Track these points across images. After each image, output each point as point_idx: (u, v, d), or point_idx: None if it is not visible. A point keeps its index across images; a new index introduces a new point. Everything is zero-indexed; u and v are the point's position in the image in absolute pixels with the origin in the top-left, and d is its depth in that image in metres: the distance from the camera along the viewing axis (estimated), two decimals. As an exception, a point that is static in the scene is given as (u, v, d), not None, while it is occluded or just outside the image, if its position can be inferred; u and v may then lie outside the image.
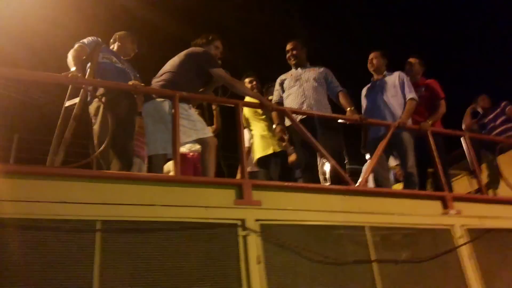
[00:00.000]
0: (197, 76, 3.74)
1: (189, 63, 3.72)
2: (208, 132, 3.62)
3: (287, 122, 4.29)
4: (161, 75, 3.68)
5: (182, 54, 3.79)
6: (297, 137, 4.25)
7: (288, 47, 4.66)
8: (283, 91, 4.61)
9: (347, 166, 4.53)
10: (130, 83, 3.42)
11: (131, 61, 4.06)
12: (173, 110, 3.32)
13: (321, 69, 4.60)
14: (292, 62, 4.64)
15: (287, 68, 4.73)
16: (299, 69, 4.61)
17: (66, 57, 3.47)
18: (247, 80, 5.04)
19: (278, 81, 4.69)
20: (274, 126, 4.59)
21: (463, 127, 6.14)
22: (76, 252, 2.43)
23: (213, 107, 4.80)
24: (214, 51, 3.94)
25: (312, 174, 4.19)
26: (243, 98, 4.10)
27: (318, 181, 4.21)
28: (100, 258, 2.44)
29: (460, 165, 6.13)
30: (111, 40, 4.03)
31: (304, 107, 4.34)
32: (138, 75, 3.94)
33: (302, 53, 4.66)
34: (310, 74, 4.52)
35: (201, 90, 3.90)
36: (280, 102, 4.59)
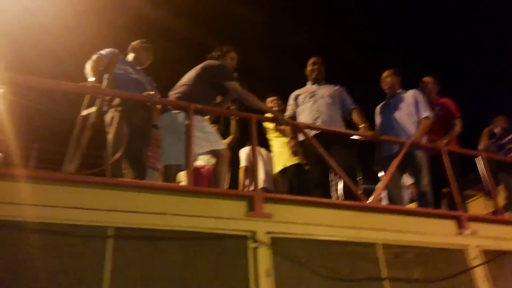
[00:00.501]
0: (212, 88, 3.80)
1: (204, 76, 3.78)
2: (221, 144, 3.66)
3: (302, 137, 4.29)
4: (178, 87, 3.76)
5: (198, 67, 3.86)
6: (311, 152, 4.25)
7: (312, 61, 4.72)
8: (297, 106, 4.63)
9: (361, 184, 4.51)
10: (145, 93, 3.46)
11: (147, 70, 4.11)
12: (187, 122, 3.36)
13: (336, 87, 4.64)
14: (312, 76, 4.68)
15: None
16: (314, 85, 4.65)
17: (84, 62, 3.56)
18: (269, 99, 5.09)
19: (293, 96, 4.73)
20: (287, 140, 4.62)
21: (480, 148, 6.05)
22: (88, 257, 2.45)
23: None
24: (229, 62, 4.00)
25: (324, 189, 4.17)
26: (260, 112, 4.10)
27: (330, 197, 4.19)
28: (111, 264, 2.46)
29: (478, 187, 6.03)
30: (128, 50, 4.09)
31: (318, 123, 4.36)
32: (155, 85, 4.01)
33: (323, 70, 4.72)
34: (325, 91, 4.56)
35: (219, 101, 3.96)
36: (294, 117, 4.61)
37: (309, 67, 4.73)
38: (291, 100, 4.73)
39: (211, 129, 3.70)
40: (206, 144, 3.53)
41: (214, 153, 3.63)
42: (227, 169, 3.66)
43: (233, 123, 4.84)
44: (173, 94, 3.71)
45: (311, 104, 4.51)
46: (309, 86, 4.70)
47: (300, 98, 4.64)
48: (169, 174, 3.51)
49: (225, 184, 3.61)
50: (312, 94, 4.57)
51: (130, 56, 4.02)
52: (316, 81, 4.67)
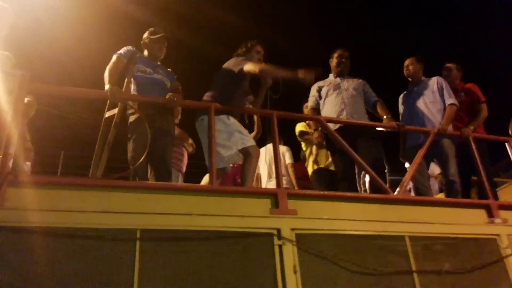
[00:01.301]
0: (235, 85, 3.78)
1: (224, 76, 3.81)
2: (248, 141, 3.60)
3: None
4: (209, 90, 3.79)
5: (222, 68, 3.89)
6: (333, 145, 4.22)
7: (340, 53, 4.66)
8: (320, 98, 4.60)
9: (387, 176, 4.45)
10: (168, 95, 3.48)
11: (165, 61, 4.06)
12: (218, 122, 3.42)
13: (359, 80, 4.60)
14: (338, 69, 4.62)
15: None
16: (338, 78, 4.60)
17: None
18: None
19: (315, 87, 4.67)
20: (312, 131, 4.61)
21: (510, 132, 5.88)
22: (117, 260, 2.50)
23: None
24: (256, 56, 3.94)
25: (349, 183, 4.14)
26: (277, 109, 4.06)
27: (356, 191, 4.16)
28: (139, 266, 2.51)
29: (508, 173, 5.86)
30: (142, 45, 4.02)
31: (343, 115, 4.32)
32: (175, 77, 3.99)
33: (349, 64, 4.67)
34: (349, 83, 4.52)
35: (253, 100, 3.99)
36: (317, 108, 4.58)
37: (335, 59, 4.66)
38: (314, 91, 4.68)
39: (237, 127, 3.65)
40: (233, 144, 3.55)
41: (242, 151, 3.60)
42: (255, 168, 3.63)
43: (256, 119, 4.85)
44: (203, 99, 3.74)
45: (335, 96, 4.47)
46: (332, 78, 4.65)
47: (324, 90, 4.59)
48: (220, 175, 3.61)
49: (251, 183, 3.60)
50: (336, 87, 4.52)
51: (145, 52, 3.95)
52: (340, 74, 4.62)
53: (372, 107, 4.51)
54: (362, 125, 4.23)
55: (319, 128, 4.33)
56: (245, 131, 3.69)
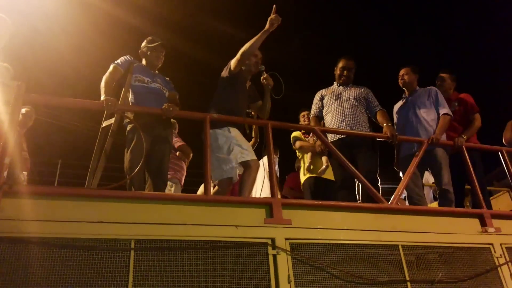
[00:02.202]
0: (231, 89, 3.82)
1: (220, 85, 3.87)
2: (248, 155, 3.62)
3: (330, 137, 4.28)
4: (210, 107, 3.83)
5: (219, 78, 3.94)
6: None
7: (343, 64, 4.67)
8: (323, 107, 4.64)
9: (379, 188, 4.48)
10: (164, 106, 3.48)
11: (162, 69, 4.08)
12: (218, 136, 3.51)
13: (362, 89, 4.63)
14: (342, 78, 4.64)
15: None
16: (340, 87, 4.64)
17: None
18: (301, 114, 5.28)
19: (318, 95, 4.72)
20: (314, 139, 4.64)
21: (504, 141, 5.93)
22: (112, 270, 2.51)
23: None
24: (253, 60, 3.96)
25: (347, 192, 4.16)
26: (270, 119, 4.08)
27: (354, 200, 4.18)
28: (133, 276, 2.52)
29: (501, 182, 5.89)
30: (139, 54, 4.04)
31: (343, 125, 4.36)
32: (173, 86, 4.02)
33: (353, 74, 4.70)
34: (350, 93, 4.56)
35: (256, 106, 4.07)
36: (319, 116, 4.63)
37: (338, 70, 4.68)
38: (316, 99, 4.73)
39: (238, 140, 3.67)
40: (232, 158, 3.58)
41: (242, 164, 3.64)
42: (253, 180, 3.66)
43: (254, 127, 4.88)
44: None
45: (336, 106, 4.51)
46: (335, 87, 4.69)
47: (326, 99, 4.64)
48: (222, 188, 3.65)
49: (249, 194, 3.63)
50: (338, 96, 4.56)
51: (143, 61, 3.97)
52: (344, 84, 4.66)
53: (374, 116, 4.53)
54: (357, 135, 4.26)
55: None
56: (246, 144, 3.71)
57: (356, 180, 4.27)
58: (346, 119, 4.39)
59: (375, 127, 4.54)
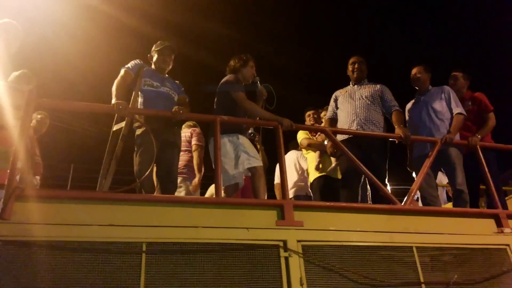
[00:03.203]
0: (234, 105, 3.83)
1: (221, 96, 3.88)
2: (255, 162, 3.64)
3: (339, 137, 4.23)
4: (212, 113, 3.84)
5: (220, 89, 3.94)
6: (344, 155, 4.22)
7: (351, 60, 4.66)
8: (337, 108, 4.61)
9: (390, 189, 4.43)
10: (174, 109, 3.48)
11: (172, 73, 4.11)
12: (227, 142, 3.52)
13: (377, 87, 4.55)
14: (354, 76, 4.61)
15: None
16: (355, 86, 4.60)
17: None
18: (306, 114, 5.24)
19: (333, 97, 4.70)
20: (325, 141, 4.62)
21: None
22: (123, 273, 2.51)
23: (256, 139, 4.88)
24: (250, 70, 4.02)
25: (351, 191, 4.11)
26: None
27: (357, 199, 4.12)
28: (145, 279, 2.52)
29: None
30: (148, 58, 4.07)
31: (354, 125, 4.31)
32: (183, 89, 4.03)
33: (365, 70, 4.65)
34: (364, 91, 4.50)
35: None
36: (334, 118, 4.59)
37: (349, 67, 4.66)
38: (331, 101, 4.71)
39: (246, 147, 3.69)
40: (240, 164, 3.59)
41: (250, 169, 3.66)
42: (264, 183, 3.68)
43: (261, 153, 4.90)
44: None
45: (348, 105, 4.47)
46: (350, 87, 4.65)
47: (340, 99, 4.60)
48: (228, 194, 3.67)
49: (264, 196, 3.64)
50: (351, 96, 4.52)
51: (152, 66, 3.99)
52: (358, 81, 4.60)
53: (390, 115, 4.45)
54: (368, 135, 4.21)
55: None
56: (253, 151, 3.72)
57: (361, 180, 4.22)
58: (357, 119, 4.34)
59: (390, 126, 4.46)
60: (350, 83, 4.69)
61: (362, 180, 4.24)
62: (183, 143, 4.77)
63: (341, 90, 4.69)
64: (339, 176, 4.59)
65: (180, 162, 4.49)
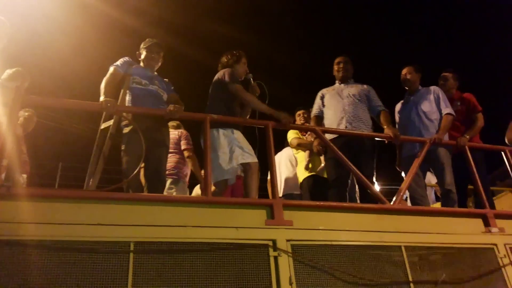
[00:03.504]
0: (230, 98, 3.82)
1: (217, 90, 3.86)
2: (249, 157, 3.62)
3: (328, 136, 4.22)
4: (208, 110, 3.82)
5: (215, 84, 3.93)
6: (331, 153, 4.21)
7: (337, 60, 4.67)
8: (324, 106, 4.59)
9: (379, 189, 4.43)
10: (171, 107, 3.44)
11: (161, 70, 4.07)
12: (220, 136, 3.50)
13: (364, 86, 4.57)
14: (340, 75, 4.62)
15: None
16: (342, 84, 4.59)
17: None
18: (297, 113, 5.22)
19: (319, 94, 4.68)
20: (312, 139, 4.61)
21: (506, 141, 5.89)
22: (111, 272, 2.48)
23: None
24: (242, 66, 4.03)
25: (340, 191, 4.10)
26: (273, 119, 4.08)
27: (345, 199, 4.12)
28: (133, 279, 2.49)
29: (504, 182, 5.85)
30: (137, 56, 4.02)
31: (343, 123, 4.29)
32: (172, 87, 4.00)
33: (350, 69, 4.66)
34: (351, 90, 4.50)
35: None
36: (320, 116, 4.56)
37: (335, 67, 4.67)
38: (317, 99, 4.68)
39: (240, 142, 3.66)
40: (233, 159, 3.56)
41: (243, 165, 3.64)
42: (257, 180, 3.65)
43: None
44: None
45: (336, 103, 4.46)
46: (337, 85, 4.64)
47: (326, 97, 4.58)
48: (219, 189, 3.64)
49: (255, 195, 3.61)
50: (338, 94, 4.51)
51: (141, 63, 3.95)
52: (343, 80, 4.61)
53: (376, 116, 4.47)
54: (359, 135, 4.21)
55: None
56: (247, 147, 3.69)
57: (349, 180, 4.22)
58: (346, 116, 4.32)
59: (377, 126, 4.48)
60: (336, 82, 4.68)
61: (350, 179, 4.24)
62: (171, 145, 4.75)
63: (327, 88, 4.68)
64: None
65: (169, 164, 4.47)
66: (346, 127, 4.26)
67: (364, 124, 4.33)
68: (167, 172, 4.52)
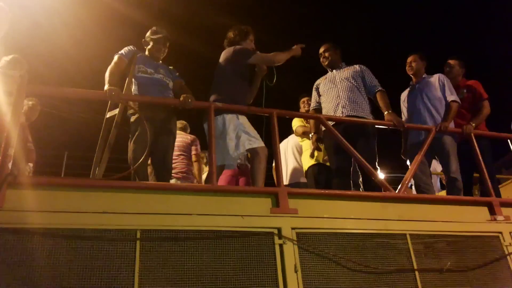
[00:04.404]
0: (240, 77, 3.78)
1: (228, 68, 3.78)
2: (256, 142, 3.58)
3: (323, 128, 4.21)
4: (212, 91, 3.78)
5: (221, 63, 3.85)
6: (329, 142, 4.19)
7: (320, 50, 4.62)
8: (319, 96, 4.55)
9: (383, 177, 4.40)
10: (182, 96, 3.44)
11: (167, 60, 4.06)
12: (226, 122, 3.48)
13: (357, 68, 4.47)
14: (324, 64, 4.58)
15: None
16: (334, 71, 4.53)
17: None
18: (301, 100, 5.23)
19: (314, 86, 4.64)
20: (310, 134, 4.58)
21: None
22: (117, 260, 2.51)
23: None
24: (250, 44, 3.95)
25: (343, 180, 4.07)
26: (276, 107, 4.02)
27: (349, 188, 4.11)
28: (139, 266, 2.51)
29: (511, 170, 5.82)
30: (143, 45, 4.00)
31: (339, 109, 4.23)
32: (177, 74, 3.98)
33: (335, 54, 4.57)
34: (344, 73, 4.43)
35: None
36: (318, 108, 4.53)
37: (320, 59, 4.63)
38: (313, 92, 4.64)
39: (246, 127, 3.61)
40: (240, 145, 3.52)
41: (250, 151, 3.61)
42: (264, 167, 3.61)
43: None
44: (211, 99, 3.72)
45: (330, 91, 4.40)
46: (329, 73, 4.58)
47: (321, 87, 4.53)
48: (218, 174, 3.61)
49: (262, 182, 3.57)
50: (331, 81, 4.45)
51: (146, 52, 3.93)
52: (333, 66, 4.54)
53: (374, 97, 4.39)
54: (360, 123, 4.17)
55: (318, 130, 4.31)
56: (253, 132, 3.65)
57: (351, 168, 4.19)
58: (341, 101, 4.25)
59: (375, 108, 4.41)
60: (328, 70, 4.62)
61: (353, 165, 4.21)
62: (183, 147, 4.85)
63: (321, 78, 4.63)
64: None
65: (181, 165, 4.62)
66: (342, 112, 4.20)
67: (360, 107, 4.24)
68: (178, 174, 4.59)
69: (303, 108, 5.18)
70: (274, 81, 3.90)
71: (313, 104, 4.63)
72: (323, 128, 4.26)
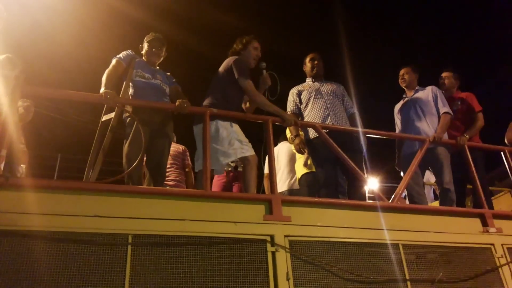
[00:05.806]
0: (236, 85, 3.76)
1: (221, 78, 3.80)
2: (248, 150, 3.59)
3: (312, 133, 4.17)
4: (207, 95, 3.78)
5: (219, 70, 3.87)
6: (318, 152, 4.17)
7: (312, 56, 4.60)
8: (301, 103, 4.44)
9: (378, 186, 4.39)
10: (178, 101, 3.43)
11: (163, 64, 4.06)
12: (220, 128, 3.48)
13: (339, 85, 4.52)
14: (313, 72, 4.53)
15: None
16: (316, 82, 4.49)
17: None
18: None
19: (295, 91, 4.52)
20: (291, 137, 4.55)
21: (506, 141, 5.88)
22: (108, 264, 2.48)
23: None
24: (253, 52, 3.94)
25: (331, 190, 4.02)
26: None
27: (337, 197, 4.08)
28: (130, 271, 2.49)
29: (503, 182, 5.86)
30: (140, 49, 4.01)
31: (329, 120, 4.20)
32: (174, 80, 3.98)
33: (322, 66, 4.57)
34: (329, 88, 4.42)
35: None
36: (296, 113, 4.41)
37: (308, 64, 4.59)
38: (293, 96, 4.50)
39: (238, 135, 3.63)
40: (232, 152, 3.53)
41: (241, 159, 3.61)
42: (255, 175, 3.62)
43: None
44: (204, 104, 3.72)
45: (317, 100, 4.34)
46: (311, 83, 4.52)
47: (304, 95, 4.43)
48: (201, 179, 3.56)
49: (254, 189, 3.58)
50: (317, 91, 4.39)
51: (144, 57, 3.93)
52: (316, 78, 4.52)
53: (349, 118, 4.39)
54: (353, 131, 4.16)
55: (301, 134, 4.30)
56: (245, 140, 3.66)
57: (339, 178, 4.16)
58: (331, 114, 4.23)
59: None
60: (308, 80, 4.58)
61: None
62: (175, 156, 4.88)
63: (302, 86, 4.54)
64: None
65: (175, 174, 4.68)
66: (332, 124, 4.17)
67: (346, 122, 4.26)
68: (172, 182, 4.60)
69: None
70: (277, 95, 3.89)
71: (292, 108, 4.46)
72: (301, 132, 4.27)
